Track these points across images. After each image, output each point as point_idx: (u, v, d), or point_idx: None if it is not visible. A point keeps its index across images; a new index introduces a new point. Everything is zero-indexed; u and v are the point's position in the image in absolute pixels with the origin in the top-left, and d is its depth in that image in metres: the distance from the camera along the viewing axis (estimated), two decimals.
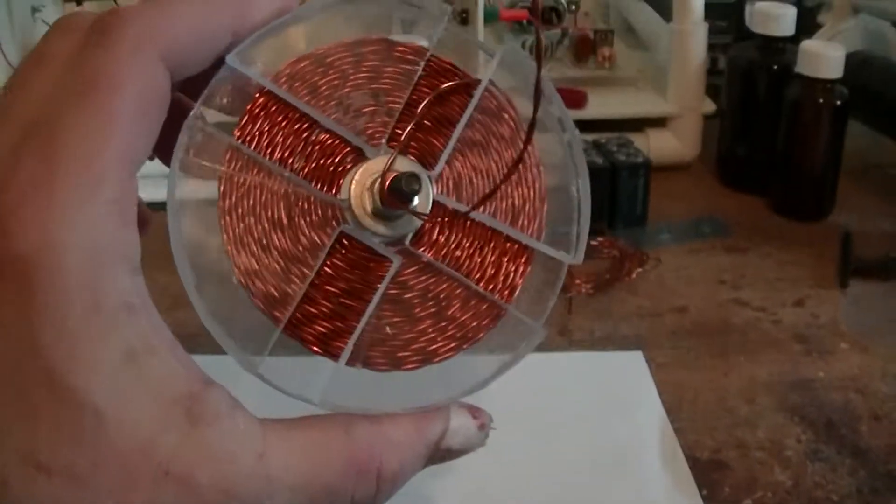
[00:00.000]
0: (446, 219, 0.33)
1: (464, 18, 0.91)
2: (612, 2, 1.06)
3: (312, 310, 0.31)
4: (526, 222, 0.33)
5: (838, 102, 0.77)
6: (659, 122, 0.88)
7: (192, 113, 0.30)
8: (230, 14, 0.30)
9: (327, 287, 0.31)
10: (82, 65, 0.27)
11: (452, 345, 0.32)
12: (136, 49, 0.27)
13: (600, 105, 0.87)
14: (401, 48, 0.33)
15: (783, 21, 0.81)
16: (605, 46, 0.92)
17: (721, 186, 0.87)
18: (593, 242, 0.74)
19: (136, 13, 0.28)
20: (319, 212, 0.31)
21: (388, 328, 0.32)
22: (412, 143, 0.32)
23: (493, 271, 0.33)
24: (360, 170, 0.31)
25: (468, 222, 0.33)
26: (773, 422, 0.55)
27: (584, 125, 0.85)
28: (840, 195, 0.81)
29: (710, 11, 0.87)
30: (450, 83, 0.33)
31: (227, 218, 0.30)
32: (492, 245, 0.33)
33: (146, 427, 0.26)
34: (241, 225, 0.30)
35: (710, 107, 0.89)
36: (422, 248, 0.32)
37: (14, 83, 0.29)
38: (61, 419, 0.26)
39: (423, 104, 0.32)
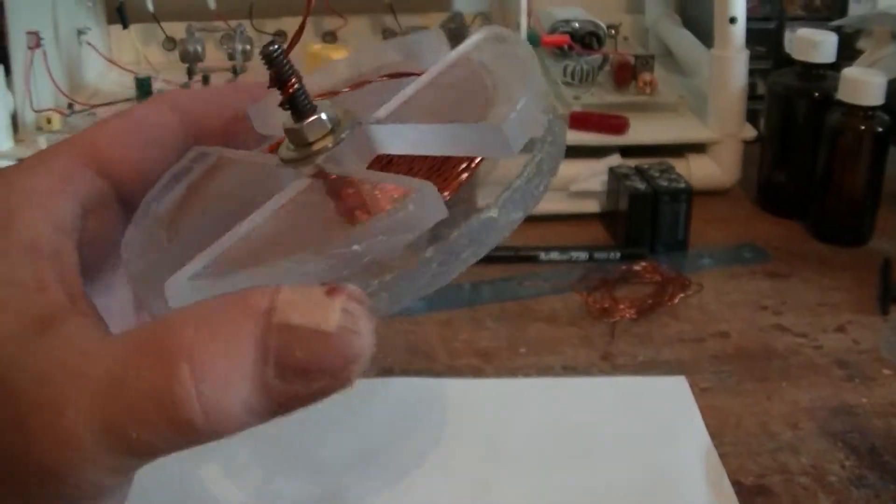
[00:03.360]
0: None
1: None
2: (651, 27, 1.07)
3: None
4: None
5: (879, 129, 0.78)
6: (699, 148, 0.89)
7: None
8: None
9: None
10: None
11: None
12: (58, 153, 0.33)
13: (641, 131, 0.88)
14: None
15: (824, 48, 0.82)
16: (645, 72, 0.93)
17: (761, 212, 0.88)
18: (636, 268, 0.75)
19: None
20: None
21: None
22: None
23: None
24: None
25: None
26: (816, 447, 0.56)
27: (626, 151, 0.87)
28: (880, 221, 0.82)
29: (749, 37, 0.87)
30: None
31: None
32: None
33: None
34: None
35: (750, 133, 0.89)
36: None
37: None
38: None
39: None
